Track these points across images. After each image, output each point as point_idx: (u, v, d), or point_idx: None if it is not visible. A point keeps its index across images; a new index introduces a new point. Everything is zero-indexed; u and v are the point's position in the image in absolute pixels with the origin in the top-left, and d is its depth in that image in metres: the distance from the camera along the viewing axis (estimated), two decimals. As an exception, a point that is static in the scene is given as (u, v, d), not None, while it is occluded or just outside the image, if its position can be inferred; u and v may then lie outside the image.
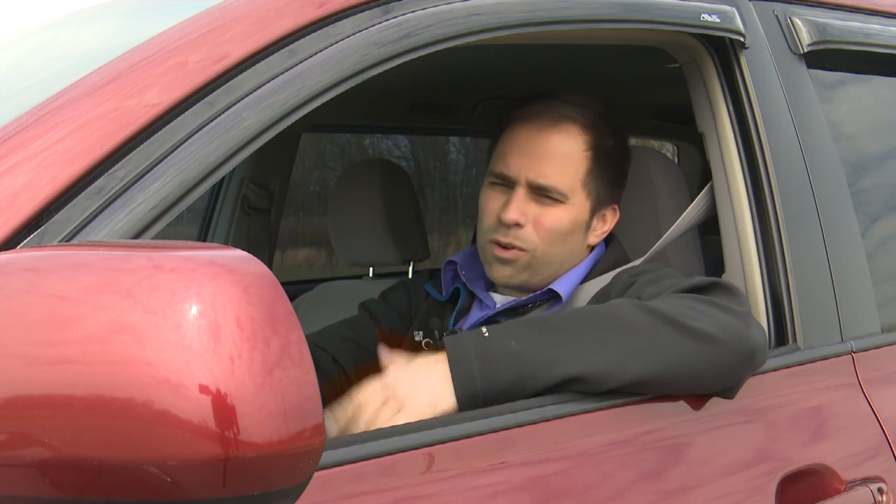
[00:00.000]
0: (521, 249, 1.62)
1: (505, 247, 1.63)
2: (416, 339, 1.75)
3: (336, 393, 1.74)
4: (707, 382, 1.37)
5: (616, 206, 1.72)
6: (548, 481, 1.21)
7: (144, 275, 0.78)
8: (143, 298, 0.77)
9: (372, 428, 1.23)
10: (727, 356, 1.34)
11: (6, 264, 0.82)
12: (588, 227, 1.68)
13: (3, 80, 1.37)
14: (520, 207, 1.61)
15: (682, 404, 1.39)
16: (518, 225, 1.61)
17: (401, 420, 1.23)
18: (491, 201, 1.65)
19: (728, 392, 1.40)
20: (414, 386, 1.27)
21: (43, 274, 0.81)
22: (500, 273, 1.64)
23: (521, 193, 1.62)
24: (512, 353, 1.28)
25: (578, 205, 1.64)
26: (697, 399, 1.40)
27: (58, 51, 1.48)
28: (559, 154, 1.63)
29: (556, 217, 1.62)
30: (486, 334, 1.30)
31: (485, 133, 3.56)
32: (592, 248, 1.72)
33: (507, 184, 1.64)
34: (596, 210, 1.68)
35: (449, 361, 1.27)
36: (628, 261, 1.71)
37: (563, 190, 1.62)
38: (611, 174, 1.69)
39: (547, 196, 1.62)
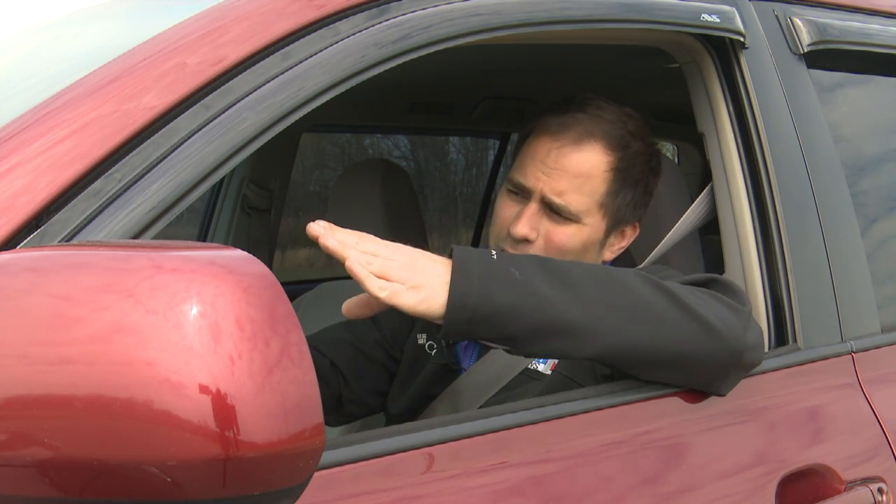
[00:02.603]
0: None
1: None
2: (420, 342, 1.74)
3: (333, 398, 1.74)
4: (692, 368, 1.36)
5: (637, 224, 1.69)
6: (547, 481, 1.21)
7: (146, 275, 0.78)
8: (145, 299, 0.77)
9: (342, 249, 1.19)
10: (718, 347, 1.33)
11: (8, 264, 0.82)
12: (603, 244, 1.65)
13: (4, 79, 1.37)
14: (531, 223, 1.58)
15: (681, 404, 1.39)
16: (527, 240, 1.58)
17: (378, 270, 1.20)
18: (505, 208, 1.62)
19: (713, 386, 1.40)
20: (413, 260, 1.23)
21: (44, 274, 0.81)
22: None
23: (533, 208, 1.58)
24: (513, 280, 1.25)
25: (593, 225, 1.61)
26: (697, 399, 1.40)
27: (59, 51, 1.48)
28: (577, 173, 1.58)
29: (568, 235, 1.59)
30: (494, 256, 1.27)
31: (485, 133, 3.57)
32: (606, 262, 1.69)
33: (523, 194, 1.61)
34: (613, 229, 1.64)
35: (452, 267, 1.24)
36: (634, 264, 1.71)
37: (576, 210, 1.58)
38: (633, 195, 1.64)
39: (559, 214, 1.59)
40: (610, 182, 1.61)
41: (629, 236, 1.69)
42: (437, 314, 1.23)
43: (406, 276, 1.22)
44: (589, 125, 1.61)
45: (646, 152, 1.66)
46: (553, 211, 1.59)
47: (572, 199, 1.58)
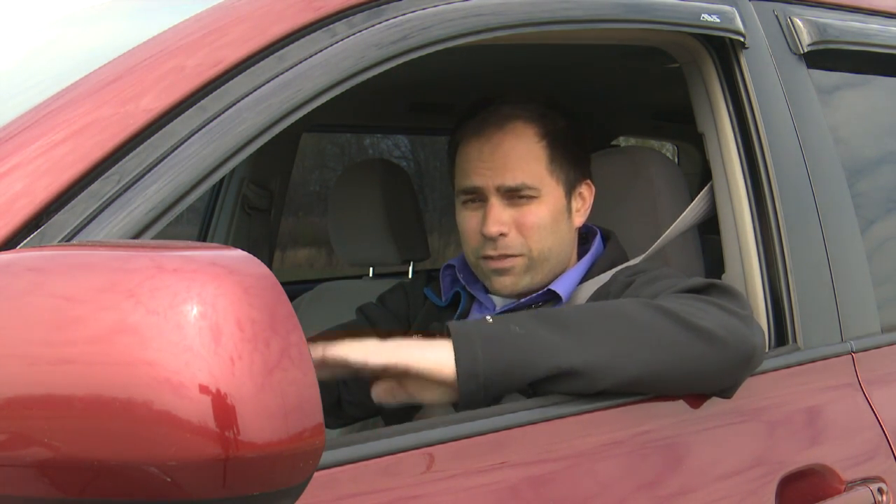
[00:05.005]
0: (514, 256, 1.61)
1: (497, 258, 1.62)
2: (416, 342, 1.74)
3: (333, 399, 1.74)
4: (706, 381, 1.38)
5: (589, 181, 1.72)
6: (546, 481, 1.21)
7: (147, 275, 0.78)
8: (146, 299, 0.77)
9: (357, 359, 1.26)
10: (728, 356, 1.34)
11: (9, 264, 0.82)
12: (569, 210, 1.67)
13: (5, 79, 1.37)
14: (498, 218, 1.60)
15: (680, 404, 1.39)
16: (502, 235, 1.60)
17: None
18: (469, 220, 1.65)
19: (725, 392, 1.41)
20: (418, 350, 1.27)
21: (46, 274, 0.81)
22: (501, 284, 1.64)
23: (494, 203, 1.61)
24: (515, 336, 1.28)
25: (552, 193, 1.63)
26: (696, 399, 1.40)
27: (59, 51, 1.48)
28: (515, 153, 1.62)
29: (536, 213, 1.61)
30: (490, 321, 1.30)
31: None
32: (579, 230, 1.71)
33: (479, 198, 1.63)
34: (570, 192, 1.67)
35: (453, 340, 1.27)
36: (627, 260, 1.71)
37: (533, 184, 1.61)
38: (572, 154, 1.68)
39: (520, 196, 1.61)
40: (546, 148, 1.64)
41: (588, 196, 1.71)
42: (451, 383, 1.26)
43: (412, 354, 1.28)
44: (503, 110, 1.65)
45: (559, 114, 1.70)
46: (513, 196, 1.61)
47: (525, 176, 1.61)
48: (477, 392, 1.26)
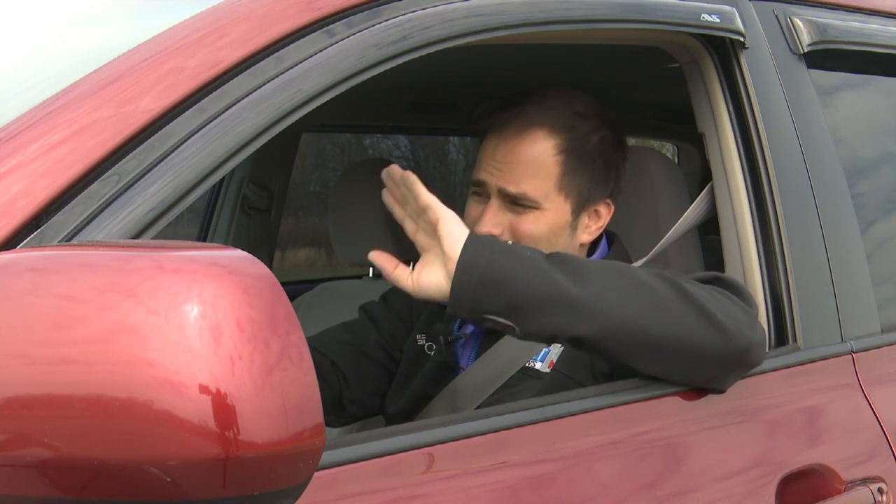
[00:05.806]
0: None
1: None
2: (420, 343, 1.74)
3: (335, 398, 1.75)
4: (696, 362, 1.37)
5: (609, 201, 1.69)
6: (546, 481, 1.21)
7: (147, 275, 0.78)
8: (146, 299, 0.77)
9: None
10: (724, 343, 1.34)
11: (10, 264, 0.82)
12: (574, 226, 1.66)
13: (5, 79, 1.37)
14: (493, 219, 1.61)
15: (681, 404, 1.39)
16: (493, 237, 1.59)
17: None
18: (471, 210, 1.66)
19: (714, 382, 1.40)
20: (453, 224, 1.36)
21: (47, 274, 0.81)
22: None
23: (494, 204, 1.62)
24: (522, 256, 1.31)
25: (555, 209, 1.62)
26: (696, 399, 1.40)
27: (59, 51, 1.48)
28: (526, 161, 1.61)
29: (531, 223, 1.61)
30: (509, 242, 1.38)
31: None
32: (586, 245, 1.71)
33: (484, 193, 1.64)
34: (581, 209, 1.65)
35: (467, 236, 1.33)
36: (630, 262, 1.71)
37: (535, 197, 1.60)
38: (594, 172, 1.65)
39: (519, 204, 1.61)
40: (562, 164, 1.62)
41: (604, 215, 1.70)
42: (450, 257, 1.32)
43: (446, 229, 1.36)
44: (531, 114, 1.63)
45: (598, 129, 1.67)
46: (513, 203, 1.61)
47: (528, 187, 1.61)
48: (468, 290, 1.29)
